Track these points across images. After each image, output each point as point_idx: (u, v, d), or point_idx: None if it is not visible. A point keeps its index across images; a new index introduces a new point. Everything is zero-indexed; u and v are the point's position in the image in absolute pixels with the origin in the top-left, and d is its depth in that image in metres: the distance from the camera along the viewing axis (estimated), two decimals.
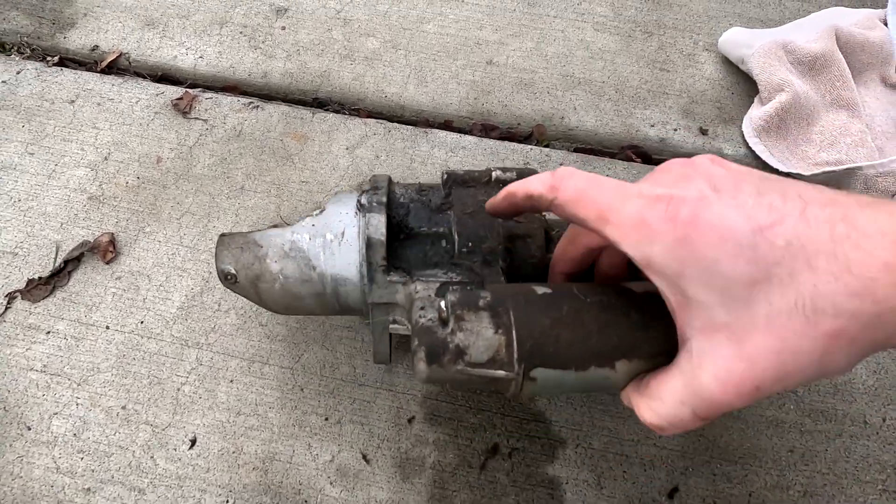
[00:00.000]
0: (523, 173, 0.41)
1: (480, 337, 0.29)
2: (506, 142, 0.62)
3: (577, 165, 0.60)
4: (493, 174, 0.41)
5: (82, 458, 0.44)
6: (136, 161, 0.57)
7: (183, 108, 0.61)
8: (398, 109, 0.64)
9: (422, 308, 0.32)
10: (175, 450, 0.45)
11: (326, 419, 0.46)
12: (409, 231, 0.39)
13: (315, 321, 0.50)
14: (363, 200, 0.38)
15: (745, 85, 0.66)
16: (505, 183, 0.40)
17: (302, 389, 0.47)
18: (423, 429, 0.46)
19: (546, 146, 0.62)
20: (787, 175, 0.60)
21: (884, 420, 0.48)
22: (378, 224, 0.36)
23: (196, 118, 0.60)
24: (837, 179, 0.57)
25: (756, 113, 0.62)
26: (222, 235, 0.40)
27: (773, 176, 0.25)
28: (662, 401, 0.26)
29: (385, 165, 0.59)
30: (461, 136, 0.61)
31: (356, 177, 0.58)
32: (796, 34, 0.64)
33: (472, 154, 0.60)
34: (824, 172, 0.57)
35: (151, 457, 0.44)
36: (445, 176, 0.40)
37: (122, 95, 0.62)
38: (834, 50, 0.62)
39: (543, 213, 0.40)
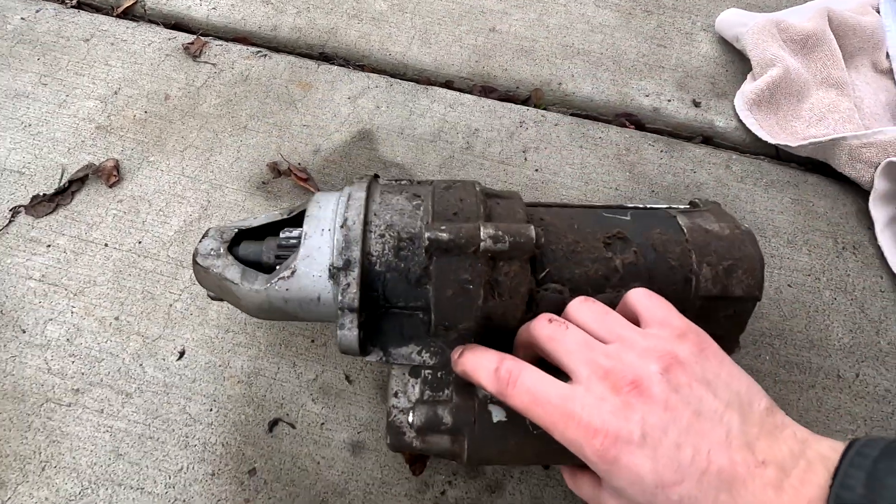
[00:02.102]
0: (517, 244, 0.35)
1: (437, 447, 0.37)
2: (504, 102, 0.63)
3: (572, 128, 0.62)
4: (482, 244, 0.35)
5: (73, 362, 0.45)
6: (145, 97, 0.59)
7: (193, 52, 0.63)
8: (401, 68, 0.66)
9: (395, 395, 0.38)
10: (164, 360, 0.46)
11: (313, 341, 0.47)
12: (387, 305, 0.38)
13: None
14: (339, 296, 0.35)
15: (739, 63, 0.68)
16: (494, 255, 0.35)
17: None
18: None
19: (544, 109, 0.64)
20: (776, 147, 0.61)
21: (857, 375, 0.49)
22: (352, 341, 0.36)
23: (205, 62, 0.63)
24: (824, 150, 0.59)
25: (748, 87, 0.64)
26: (196, 257, 0.39)
27: (705, 405, 0.29)
28: None
29: (385, 116, 0.60)
30: (460, 94, 0.63)
31: (356, 124, 0.60)
32: (790, 15, 0.66)
33: (470, 111, 0.62)
34: (811, 143, 0.58)
35: (140, 365, 0.45)
36: (427, 242, 0.35)
37: (136, 37, 0.64)
38: (825, 30, 0.64)
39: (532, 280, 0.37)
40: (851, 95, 0.63)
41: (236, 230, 0.40)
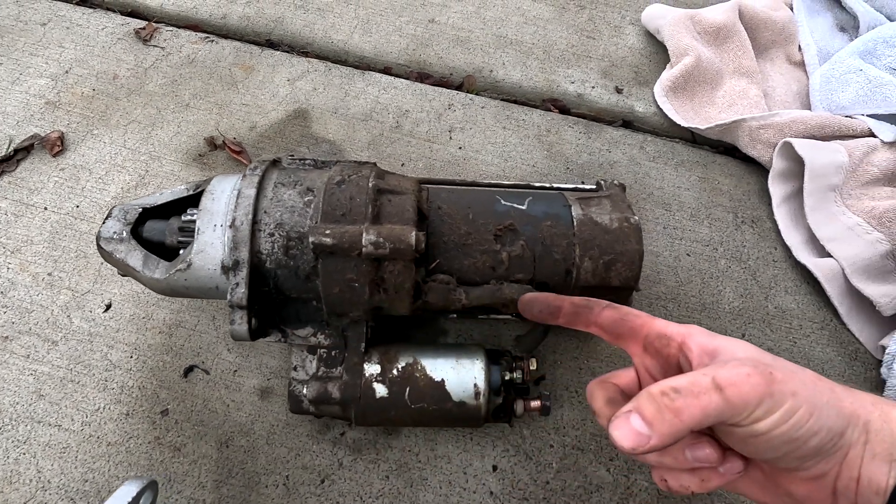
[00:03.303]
0: (397, 250, 0.36)
1: (330, 412, 0.41)
2: (436, 87, 0.67)
3: (497, 111, 0.66)
4: (364, 249, 0.36)
5: (4, 312, 0.49)
6: (94, 76, 0.63)
7: (144, 36, 0.67)
8: (342, 55, 0.70)
9: (294, 368, 0.42)
10: (90, 312, 0.49)
11: None
12: (283, 295, 0.40)
13: None
14: (228, 294, 0.37)
15: (662, 55, 0.72)
16: (377, 260, 0.37)
17: None
18: None
19: (476, 94, 0.68)
20: (692, 131, 0.65)
21: (743, 335, 0.52)
22: (242, 334, 0.39)
23: (155, 45, 0.67)
24: (729, 132, 0.63)
25: (665, 75, 0.68)
26: (99, 241, 0.40)
27: None
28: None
29: (321, 96, 0.64)
30: (395, 78, 0.67)
31: (292, 104, 0.63)
32: (705, 10, 0.70)
33: (402, 93, 0.66)
34: (717, 126, 0.62)
35: (68, 316, 0.49)
36: (313, 245, 0.36)
37: (90, 23, 0.68)
38: (736, 22, 0.68)
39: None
40: (761, 83, 0.68)
41: (140, 209, 0.41)
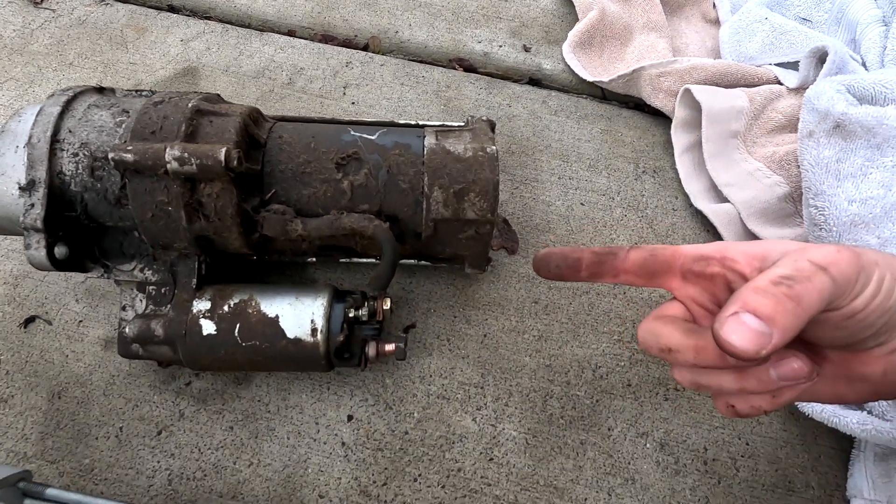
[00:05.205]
0: (205, 167, 0.34)
1: (160, 355, 0.39)
2: (336, 47, 0.66)
3: (397, 68, 0.64)
4: (168, 165, 0.33)
5: None
6: None
7: (35, 0, 0.65)
8: (245, 18, 0.69)
9: (123, 308, 0.39)
10: None
11: None
12: (97, 223, 0.38)
13: None
14: (21, 216, 0.35)
15: (575, 16, 0.71)
16: (190, 181, 0.35)
17: None
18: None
19: (382, 55, 0.66)
20: (591, 83, 0.63)
21: None
22: (41, 261, 0.36)
23: (46, 8, 0.65)
24: (632, 83, 0.61)
25: (572, 31, 0.66)
26: None
27: None
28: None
29: (213, 56, 0.62)
30: (293, 38, 0.66)
31: (182, 63, 0.62)
32: None
33: (299, 52, 0.64)
34: (619, 77, 0.60)
35: None
36: (113, 162, 0.34)
37: None
38: None
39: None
40: (670, 37, 0.66)
41: None
